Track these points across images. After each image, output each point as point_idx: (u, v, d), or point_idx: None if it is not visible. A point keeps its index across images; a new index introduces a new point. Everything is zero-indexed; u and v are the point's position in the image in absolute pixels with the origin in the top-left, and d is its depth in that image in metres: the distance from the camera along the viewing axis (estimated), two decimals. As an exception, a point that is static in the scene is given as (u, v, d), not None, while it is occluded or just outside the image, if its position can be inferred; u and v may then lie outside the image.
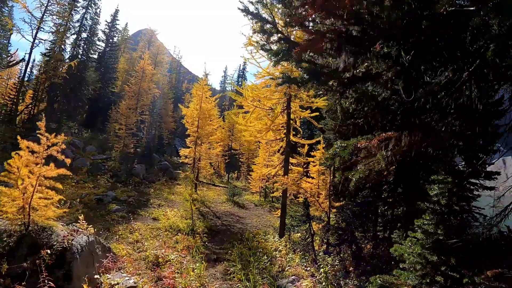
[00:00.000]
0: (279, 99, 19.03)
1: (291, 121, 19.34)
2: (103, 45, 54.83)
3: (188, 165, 30.69)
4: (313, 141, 20.93)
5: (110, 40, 57.45)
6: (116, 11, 57.26)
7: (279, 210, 19.69)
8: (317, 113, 19.35)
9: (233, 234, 19.72)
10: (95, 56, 49.45)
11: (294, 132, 20.87)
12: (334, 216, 15.72)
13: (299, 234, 17.76)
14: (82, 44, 45.56)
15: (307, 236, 15.82)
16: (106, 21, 56.14)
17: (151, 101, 45.87)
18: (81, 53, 44.85)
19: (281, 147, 20.50)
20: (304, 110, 20.20)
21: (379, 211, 14.10)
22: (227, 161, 53.70)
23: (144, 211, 22.12)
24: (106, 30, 55.94)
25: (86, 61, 44.90)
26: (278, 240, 17.44)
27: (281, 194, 20.62)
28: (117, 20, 57.30)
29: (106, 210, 21.02)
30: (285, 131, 19.37)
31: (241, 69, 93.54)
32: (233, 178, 55.10)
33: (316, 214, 17.51)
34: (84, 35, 45.38)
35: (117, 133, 37.37)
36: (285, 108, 19.03)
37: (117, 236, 16.13)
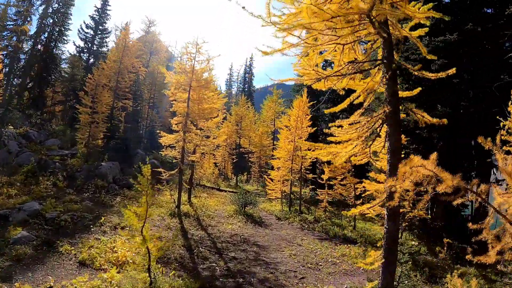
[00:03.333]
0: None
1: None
2: (92, 32, 43.19)
3: (175, 160, 19.19)
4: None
5: (100, 26, 45.76)
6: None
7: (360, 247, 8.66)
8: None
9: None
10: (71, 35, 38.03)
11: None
12: None
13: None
14: (54, 17, 34.21)
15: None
16: (95, 6, 44.34)
17: (137, 86, 34.64)
18: (50, 27, 33.41)
19: (369, 93, 8.35)
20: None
21: None
22: (234, 161, 42.00)
23: (74, 242, 11.32)
24: (95, 15, 44.10)
25: (58, 37, 33.52)
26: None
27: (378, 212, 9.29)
28: (108, 5, 45.54)
29: (2, 238, 10.37)
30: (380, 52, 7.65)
31: (247, 64, 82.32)
32: (242, 181, 43.65)
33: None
34: (56, 5, 33.93)
35: (78, 118, 25.70)
36: None
37: None
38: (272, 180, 24.02)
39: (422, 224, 17.33)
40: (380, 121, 7.42)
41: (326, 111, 8.87)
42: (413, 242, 15.78)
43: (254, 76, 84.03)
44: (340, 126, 8.34)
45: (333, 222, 19.82)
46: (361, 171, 21.85)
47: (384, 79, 7.23)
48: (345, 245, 15.47)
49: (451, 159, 17.26)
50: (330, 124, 8.67)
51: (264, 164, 44.16)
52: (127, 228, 13.11)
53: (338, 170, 19.13)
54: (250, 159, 43.79)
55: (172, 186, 22.64)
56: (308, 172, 23.69)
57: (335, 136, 8.25)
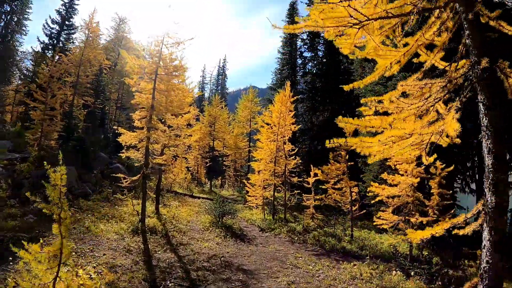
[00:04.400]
0: None
1: None
2: (58, 28, 38.75)
3: (136, 163, 15.84)
4: None
5: (67, 22, 41.25)
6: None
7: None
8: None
9: None
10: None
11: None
12: None
13: None
14: (12, 4, 30.04)
15: None
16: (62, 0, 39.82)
17: (102, 83, 30.77)
18: (8, 15, 29.19)
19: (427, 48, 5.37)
20: None
21: None
22: (208, 164, 38.55)
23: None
24: (61, 10, 39.57)
25: (17, 28, 29.25)
26: None
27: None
28: (76, -1, 41.10)
29: None
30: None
31: (221, 66, 78.94)
32: (216, 185, 40.25)
33: None
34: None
35: (29, 115, 21.84)
36: None
37: None
38: (252, 185, 20.84)
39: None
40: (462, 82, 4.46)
41: (356, 84, 5.77)
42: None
43: (227, 78, 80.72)
44: (380, 102, 5.37)
45: (325, 232, 16.87)
46: (354, 173, 19.02)
47: (466, 23, 4.25)
48: (349, 261, 12.49)
49: None
50: (363, 100, 5.65)
51: (239, 168, 40.99)
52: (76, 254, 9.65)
53: (332, 172, 16.18)
54: (224, 162, 40.57)
55: (138, 194, 19.21)
56: (293, 175, 20.68)
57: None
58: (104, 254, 11.02)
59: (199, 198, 27.60)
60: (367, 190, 19.03)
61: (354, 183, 15.59)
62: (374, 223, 12.43)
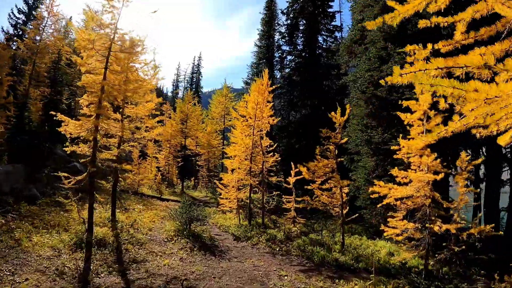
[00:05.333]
0: None
1: None
2: (24, 18, 34.73)
3: (82, 160, 12.83)
4: None
5: (34, 12, 37.24)
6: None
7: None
8: None
9: None
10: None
11: None
12: None
13: None
14: None
15: None
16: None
17: (61, 73, 27.18)
18: None
19: None
20: None
21: None
22: (180, 164, 35.39)
23: None
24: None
25: None
26: None
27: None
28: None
29: None
30: None
31: (195, 63, 75.25)
32: (189, 186, 37.15)
33: None
34: None
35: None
36: None
37: None
38: (225, 186, 17.92)
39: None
40: None
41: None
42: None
43: (202, 76, 77.25)
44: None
45: (311, 240, 14.25)
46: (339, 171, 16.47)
47: None
48: (346, 278, 9.87)
49: None
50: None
51: (213, 168, 37.96)
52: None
53: (319, 169, 13.48)
54: (197, 162, 37.44)
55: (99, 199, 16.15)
56: (271, 174, 17.95)
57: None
58: (26, 279, 8.07)
59: (168, 200, 24.55)
60: (359, 191, 16.67)
61: (346, 182, 12.96)
62: (385, 234, 9.75)
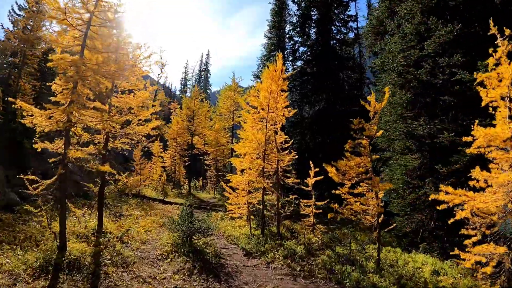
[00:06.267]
0: None
1: None
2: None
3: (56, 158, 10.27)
4: None
5: (35, 9, 35.20)
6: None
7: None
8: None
9: None
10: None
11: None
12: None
13: None
14: None
15: None
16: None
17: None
18: None
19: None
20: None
21: None
22: (187, 164, 32.87)
23: None
24: None
25: None
26: None
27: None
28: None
29: None
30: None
31: (203, 61, 72.71)
32: (197, 187, 34.54)
33: None
34: None
35: None
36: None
37: None
38: (233, 189, 15.19)
39: None
40: None
41: None
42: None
43: (210, 74, 74.52)
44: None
45: (338, 255, 11.52)
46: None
47: None
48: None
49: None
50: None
51: (221, 167, 35.24)
52: None
53: (351, 169, 10.62)
54: (205, 161, 34.82)
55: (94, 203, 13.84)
56: (288, 175, 15.23)
57: None
58: None
59: (171, 204, 21.99)
60: (393, 194, 13.82)
61: (387, 186, 10.13)
62: (464, 261, 6.88)
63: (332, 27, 30.50)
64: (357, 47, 32.86)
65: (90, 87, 9.81)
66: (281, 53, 15.58)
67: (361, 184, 10.66)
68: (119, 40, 10.87)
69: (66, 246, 9.18)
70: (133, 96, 12.04)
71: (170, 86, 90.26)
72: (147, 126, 12.45)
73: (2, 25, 27.07)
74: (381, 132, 10.58)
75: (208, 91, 69.48)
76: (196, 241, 11.45)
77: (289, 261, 10.88)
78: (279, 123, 14.88)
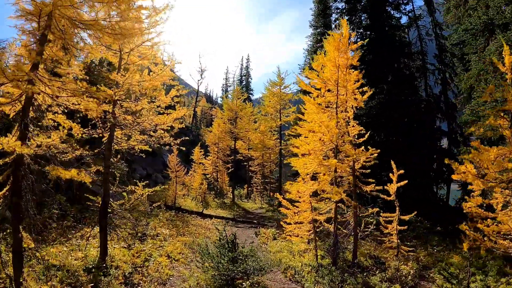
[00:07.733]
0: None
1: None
2: None
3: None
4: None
5: None
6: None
7: None
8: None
9: None
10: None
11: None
12: None
13: None
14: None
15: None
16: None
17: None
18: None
19: None
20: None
21: None
22: (230, 170, 29.03)
23: None
24: None
25: None
26: None
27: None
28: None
29: None
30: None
31: (244, 65, 69.32)
32: (241, 196, 30.69)
33: None
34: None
35: None
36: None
37: None
38: (293, 203, 10.69)
39: None
40: None
41: None
42: None
43: (251, 78, 70.85)
44: None
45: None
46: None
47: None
48: None
49: None
50: None
51: (268, 173, 30.85)
52: None
53: (491, 167, 6.00)
54: (250, 167, 30.70)
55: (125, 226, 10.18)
56: (363, 179, 10.64)
57: None
58: None
59: (211, 217, 18.04)
60: None
61: None
62: None
63: (385, 12, 25.54)
64: (415, 30, 27.56)
65: (68, 45, 5.98)
66: (345, 19, 11.15)
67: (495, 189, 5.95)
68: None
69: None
70: (141, 73, 8.12)
71: (211, 93, 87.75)
72: (167, 116, 8.47)
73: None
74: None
75: (250, 95, 65.91)
76: (239, 281, 7.30)
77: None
78: (350, 110, 10.46)
